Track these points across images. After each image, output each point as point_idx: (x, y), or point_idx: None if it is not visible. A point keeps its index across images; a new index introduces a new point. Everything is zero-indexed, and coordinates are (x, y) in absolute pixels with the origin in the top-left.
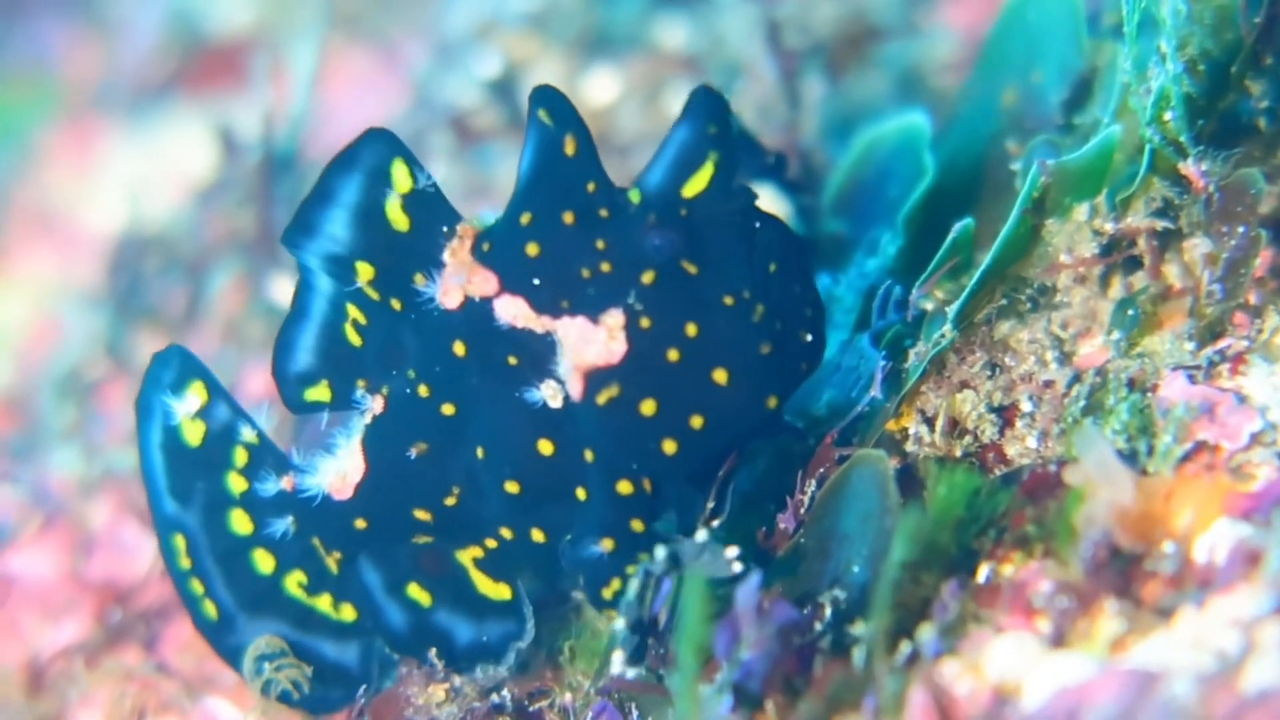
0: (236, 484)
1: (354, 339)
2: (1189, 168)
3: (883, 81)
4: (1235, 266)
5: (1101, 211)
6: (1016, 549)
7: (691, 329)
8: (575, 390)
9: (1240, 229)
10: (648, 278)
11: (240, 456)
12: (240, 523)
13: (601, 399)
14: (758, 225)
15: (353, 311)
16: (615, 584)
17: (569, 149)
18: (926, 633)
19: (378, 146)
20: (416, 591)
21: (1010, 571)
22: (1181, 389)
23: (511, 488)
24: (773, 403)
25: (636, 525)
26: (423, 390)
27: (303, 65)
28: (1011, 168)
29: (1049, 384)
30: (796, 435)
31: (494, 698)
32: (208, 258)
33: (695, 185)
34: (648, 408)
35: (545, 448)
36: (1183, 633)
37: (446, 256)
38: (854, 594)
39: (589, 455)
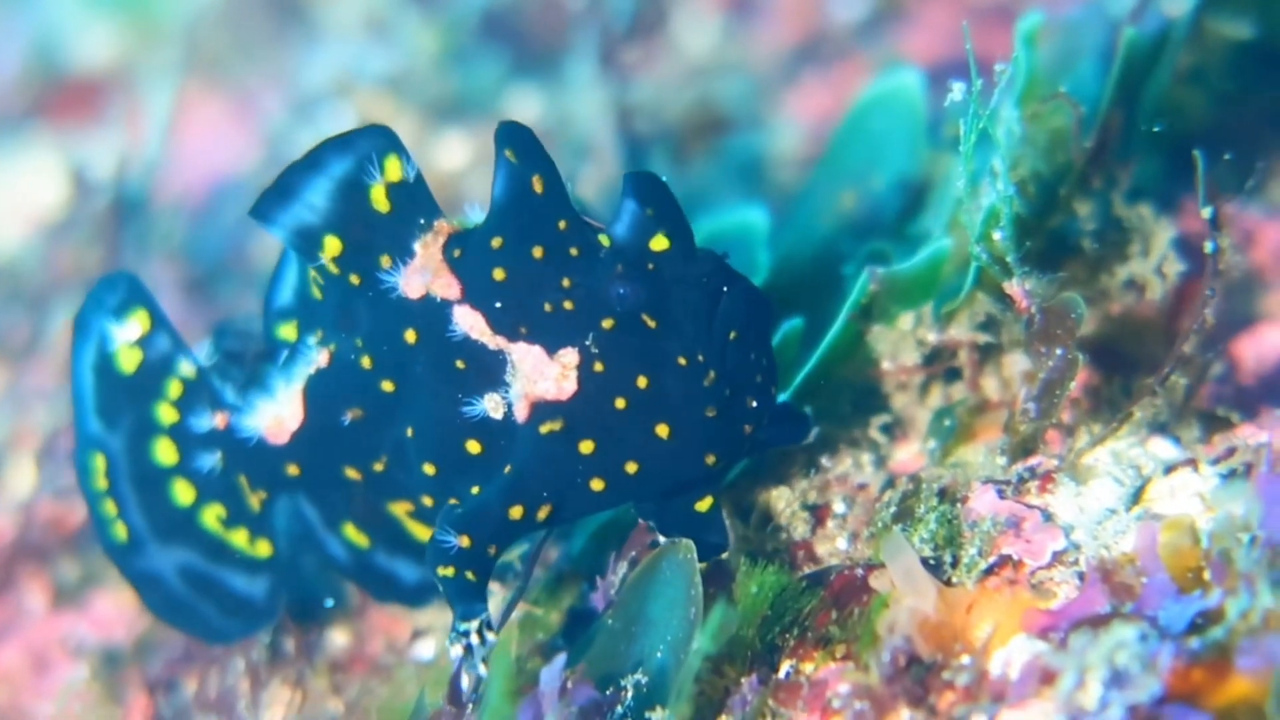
0: (166, 414)
1: (316, 294)
2: (1013, 287)
3: (725, 172)
4: (1051, 387)
5: (926, 321)
6: (818, 648)
7: (642, 381)
8: (520, 414)
9: (1059, 351)
10: (607, 323)
11: (174, 389)
12: (165, 452)
13: (544, 430)
14: (725, 289)
15: (314, 274)
16: (450, 570)
17: (536, 187)
18: None
19: (377, 138)
20: (353, 533)
21: (811, 670)
22: (990, 502)
23: (429, 469)
24: (711, 460)
25: (492, 550)
26: (365, 362)
27: (159, 108)
28: (843, 273)
29: (863, 487)
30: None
31: None
32: (51, 293)
33: (660, 244)
34: (586, 447)
35: (473, 447)
36: None
37: (417, 247)
38: (656, 679)
39: (507, 469)
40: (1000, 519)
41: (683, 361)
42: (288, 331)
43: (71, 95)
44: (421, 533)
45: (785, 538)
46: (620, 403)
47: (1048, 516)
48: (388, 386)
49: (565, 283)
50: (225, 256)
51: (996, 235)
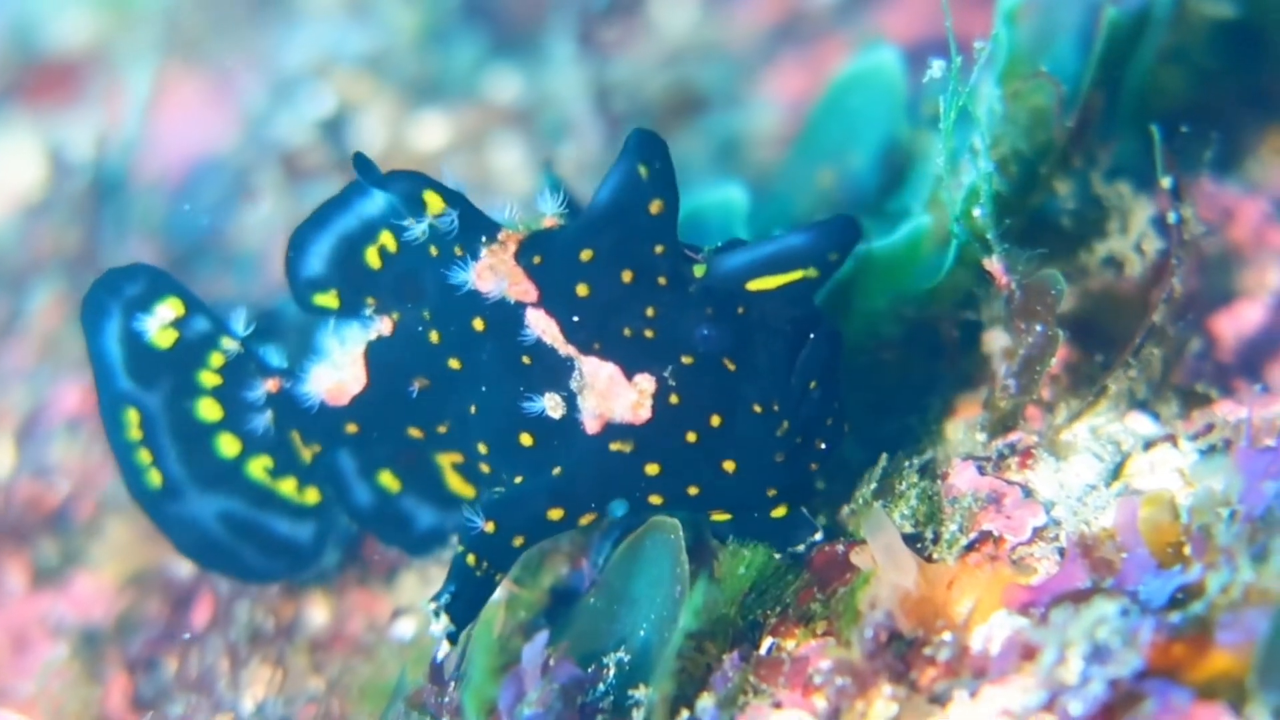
0: (209, 379)
1: (373, 262)
2: (993, 264)
3: (704, 150)
4: (1031, 363)
5: (906, 298)
6: (800, 624)
7: (715, 420)
8: (591, 428)
9: (1039, 327)
10: (687, 360)
11: (216, 359)
12: (208, 410)
13: (612, 447)
14: (811, 337)
15: (385, 238)
16: (461, 548)
17: (654, 209)
18: (706, 702)
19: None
20: (388, 479)
21: (792, 646)
22: (970, 479)
23: (482, 448)
24: (772, 493)
25: (518, 541)
26: (434, 336)
27: (137, 89)
28: None
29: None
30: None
31: None
32: (30, 274)
33: (767, 284)
34: (651, 469)
35: (526, 440)
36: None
37: (485, 255)
38: (638, 657)
39: (556, 470)
40: (981, 495)
41: (758, 409)
42: (326, 300)
43: (49, 76)
44: (458, 484)
45: None
46: (692, 436)
47: (1028, 492)
48: (454, 364)
49: (649, 312)
50: (203, 236)
51: (976, 212)
